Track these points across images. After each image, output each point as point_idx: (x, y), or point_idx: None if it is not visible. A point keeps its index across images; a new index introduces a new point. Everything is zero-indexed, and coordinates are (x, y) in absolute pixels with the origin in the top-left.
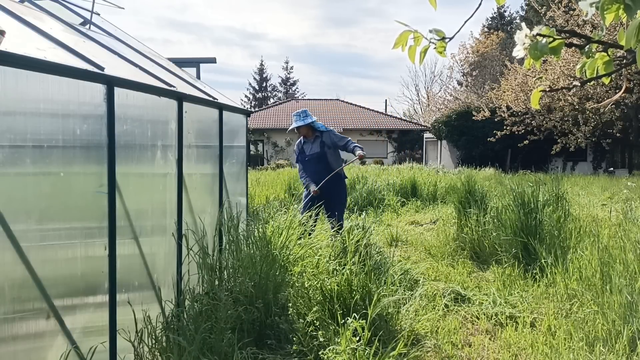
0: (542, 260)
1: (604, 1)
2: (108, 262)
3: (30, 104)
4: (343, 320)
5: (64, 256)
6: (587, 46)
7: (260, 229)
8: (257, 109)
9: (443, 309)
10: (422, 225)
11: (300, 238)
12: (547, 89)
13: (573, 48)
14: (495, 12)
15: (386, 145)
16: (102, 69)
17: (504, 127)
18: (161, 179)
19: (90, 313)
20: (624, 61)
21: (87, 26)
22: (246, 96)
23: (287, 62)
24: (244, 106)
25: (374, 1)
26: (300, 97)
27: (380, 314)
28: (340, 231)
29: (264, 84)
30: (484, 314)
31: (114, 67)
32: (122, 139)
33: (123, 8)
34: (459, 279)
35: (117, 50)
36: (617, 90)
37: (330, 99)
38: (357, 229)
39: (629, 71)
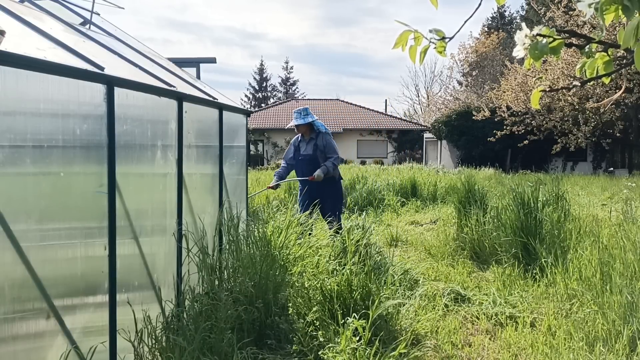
0: (542, 260)
1: (602, 2)
2: (108, 262)
3: (30, 104)
4: (343, 320)
5: (64, 256)
6: (587, 46)
7: (260, 229)
8: (257, 109)
9: (443, 309)
10: (422, 225)
11: (299, 238)
12: (547, 89)
13: (573, 48)
14: (495, 12)
15: (386, 145)
16: (102, 69)
17: (504, 127)
18: (161, 179)
19: (90, 313)
20: (624, 61)
21: (87, 26)
22: (246, 96)
23: (287, 62)
24: (244, 106)
25: (374, 1)
26: (300, 97)
27: (380, 314)
28: (340, 231)
29: (264, 84)
30: (484, 314)
31: (114, 67)
32: (122, 139)
33: (123, 8)
34: (459, 279)
35: (117, 50)
36: (617, 90)
37: (330, 99)
38: (357, 229)
39: (629, 71)
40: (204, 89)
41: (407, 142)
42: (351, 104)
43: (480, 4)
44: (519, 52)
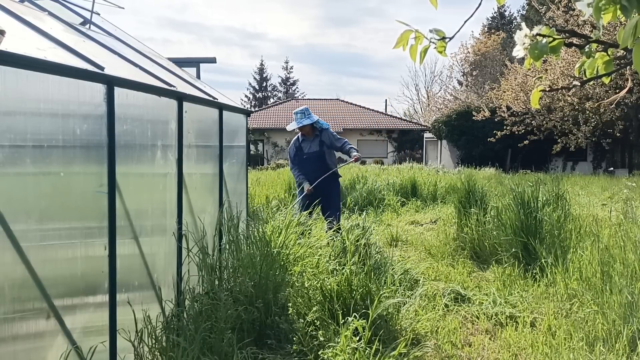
0: (542, 260)
1: (597, 2)
2: (108, 262)
3: (31, 103)
4: (343, 320)
5: (64, 256)
6: (587, 46)
7: (260, 229)
8: (257, 109)
9: (443, 309)
10: (422, 225)
11: (299, 237)
12: (547, 89)
13: (573, 48)
14: (495, 12)
15: (386, 145)
16: (102, 68)
17: (504, 127)
18: (161, 179)
19: (90, 313)
20: (624, 61)
21: (87, 26)
22: (246, 96)
23: (287, 62)
24: (244, 106)
25: (374, 1)
26: (300, 97)
27: (380, 314)
28: (340, 231)
29: (264, 84)
30: (484, 314)
31: (114, 67)
32: (122, 139)
33: (123, 8)
34: (459, 278)
35: (117, 50)
36: (617, 90)
37: (330, 99)
38: (357, 229)
39: (630, 71)
40: (204, 89)
41: (407, 142)
42: (351, 103)
43: (480, 4)
44: (519, 51)
